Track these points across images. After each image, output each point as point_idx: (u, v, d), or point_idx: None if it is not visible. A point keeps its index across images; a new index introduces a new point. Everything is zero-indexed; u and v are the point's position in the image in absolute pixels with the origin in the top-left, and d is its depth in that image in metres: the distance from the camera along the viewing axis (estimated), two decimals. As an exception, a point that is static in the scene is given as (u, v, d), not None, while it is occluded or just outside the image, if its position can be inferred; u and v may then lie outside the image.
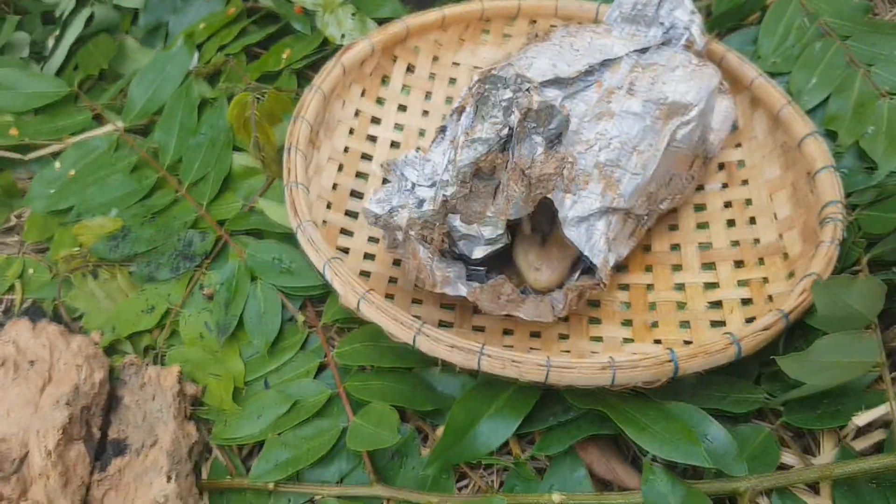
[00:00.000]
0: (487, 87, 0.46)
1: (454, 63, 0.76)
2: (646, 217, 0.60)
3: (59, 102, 0.77)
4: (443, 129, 0.55)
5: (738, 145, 0.69)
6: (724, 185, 0.68)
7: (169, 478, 0.50)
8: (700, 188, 0.68)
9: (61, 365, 0.58)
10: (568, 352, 0.56)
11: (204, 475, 0.55)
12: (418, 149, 0.52)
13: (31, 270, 0.67)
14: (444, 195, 0.48)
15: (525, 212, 0.50)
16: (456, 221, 0.51)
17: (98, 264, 0.64)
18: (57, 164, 0.72)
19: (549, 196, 0.50)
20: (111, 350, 0.61)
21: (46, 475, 0.51)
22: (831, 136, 0.69)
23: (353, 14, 0.72)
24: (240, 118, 0.63)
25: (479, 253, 0.52)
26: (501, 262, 0.57)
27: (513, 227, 0.57)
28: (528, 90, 0.46)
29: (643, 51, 0.63)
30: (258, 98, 0.62)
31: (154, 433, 0.54)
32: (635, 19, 0.66)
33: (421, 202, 0.50)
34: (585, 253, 0.52)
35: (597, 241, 0.52)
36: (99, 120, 0.76)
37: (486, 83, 0.46)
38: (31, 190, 0.71)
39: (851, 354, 0.43)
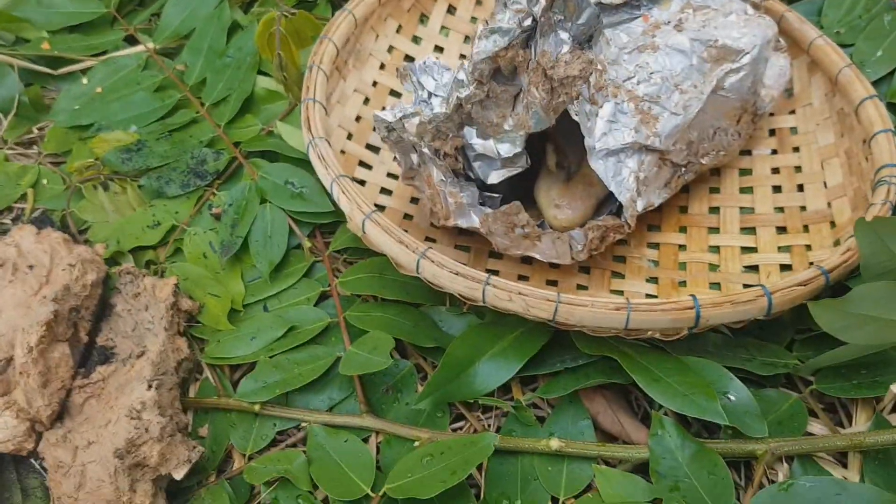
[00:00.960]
0: None
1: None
2: (684, 168, 0.55)
3: (95, 22, 0.75)
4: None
5: (793, 112, 0.65)
6: (774, 152, 0.63)
7: (150, 386, 0.47)
8: (747, 153, 0.63)
9: (59, 270, 0.56)
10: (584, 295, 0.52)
11: (192, 393, 0.52)
12: (437, 58, 0.49)
13: (45, 181, 0.65)
14: (458, 97, 0.45)
15: (546, 123, 0.46)
16: (472, 139, 0.47)
17: (110, 177, 0.62)
18: (84, 80, 0.71)
19: (575, 118, 0.46)
20: (112, 262, 0.59)
21: (27, 373, 0.48)
22: (893, 109, 0.64)
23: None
24: (265, 36, 0.60)
25: (494, 177, 0.48)
26: (521, 197, 0.54)
27: (536, 166, 0.54)
28: None
29: None
30: (286, 16, 0.59)
31: (143, 344, 0.52)
32: None
33: (437, 101, 0.47)
34: (612, 188, 0.48)
35: (625, 178, 0.49)
36: (131, 41, 0.74)
37: None
38: (56, 104, 0.70)
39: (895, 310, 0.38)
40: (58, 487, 0.46)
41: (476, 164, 0.49)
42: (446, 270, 0.45)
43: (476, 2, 0.72)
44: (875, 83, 0.66)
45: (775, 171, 0.62)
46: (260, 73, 0.66)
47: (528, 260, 0.56)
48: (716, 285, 0.54)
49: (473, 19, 0.72)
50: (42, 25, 0.75)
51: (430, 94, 0.47)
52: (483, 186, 0.50)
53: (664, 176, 0.54)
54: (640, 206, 0.50)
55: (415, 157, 0.51)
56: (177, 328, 0.53)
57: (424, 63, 0.47)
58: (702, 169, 0.58)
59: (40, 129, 0.70)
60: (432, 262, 0.46)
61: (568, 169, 0.53)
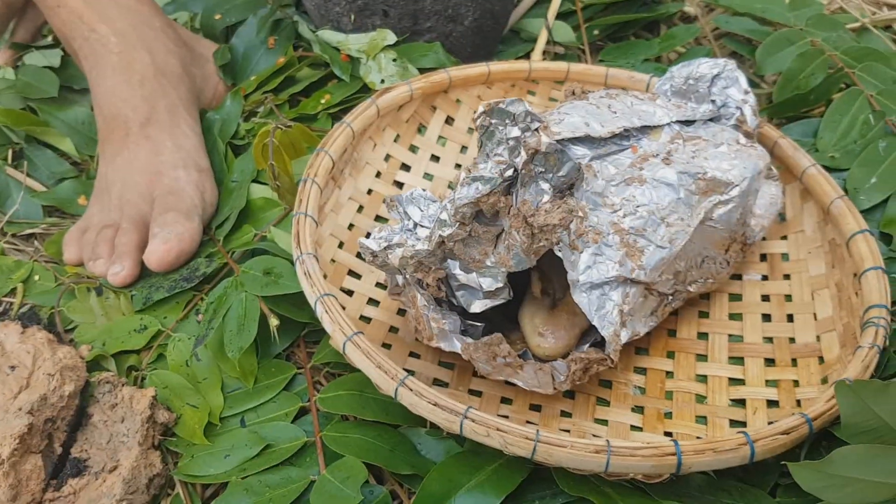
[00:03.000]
0: (493, 122, 0.43)
1: (496, 120, 0.74)
2: (671, 296, 0.55)
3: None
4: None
5: (784, 237, 0.65)
6: (765, 277, 0.63)
7: (118, 506, 0.46)
8: (738, 277, 0.63)
9: (40, 373, 0.55)
10: (567, 431, 0.52)
11: (162, 510, 0.51)
12: (424, 189, 0.49)
13: (37, 276, 0.65)
14: (440, 235, 0.45)
15: (527, 264, 0.46)
16: (455, 269, 0.47)
17: (104, 283, 0.62)
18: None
19: (558, 254, 0.46)
20: (95, 366, 0.58)
21: (-5, 484, 0.48)
22: (886, 239, 0.64)
23: (395, 59, 0.71)
24: (260, 147, 0.61)
25: (477, 307, 0.48)
26: (506, 322, 0.53)
27: (522, 288, 0.53)
28: (536, 129, 0.43)
29: (688, 122, 0.59)
30: (282, 128, 0.60)
31: (116, 457, 0.51)
32: (686, 94, 0.63)
33: (421, 236, 0.47)
34: (594, 322, 0.47)
35: (609, 312, 0.48)
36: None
37: (493, 116, 0.43)
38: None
39: (877, 472, 0.37)
40: None
41: (459, 294, 0.49)
42: (424, 400, 0.45)
43: (474, 111, 0.73)
44: (869, 210, 0.67)
45: (765, 298, 0.61)
46: (257, 181, 0.67)
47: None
48: (702, 419, 0.53)
49: (470, 130, 0.73)
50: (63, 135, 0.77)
51: (415, 224, 0.47)
52: (466, 314, 0.49)
53: (650, 305, 0.54)
54: (624, 337, 0.50)
55: (400, 278, 0.51)
56: (151, 441, 0.52)
57: (411, 194, 0.48)
58: (689, 296, 0.57)
59: (47, 227, 0.71)
60: (410, 390, 0.45)
61: (553, 296, 0.53)
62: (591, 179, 0.51)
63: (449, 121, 0.72)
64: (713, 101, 0.62)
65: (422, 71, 0.74)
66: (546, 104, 0.74)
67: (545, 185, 0.45)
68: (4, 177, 0.73)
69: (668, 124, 0.57)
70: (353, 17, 0.74)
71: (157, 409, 0.53)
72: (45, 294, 0.64)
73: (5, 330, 0.59)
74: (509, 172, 0.44)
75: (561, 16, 0.84)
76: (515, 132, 0.43)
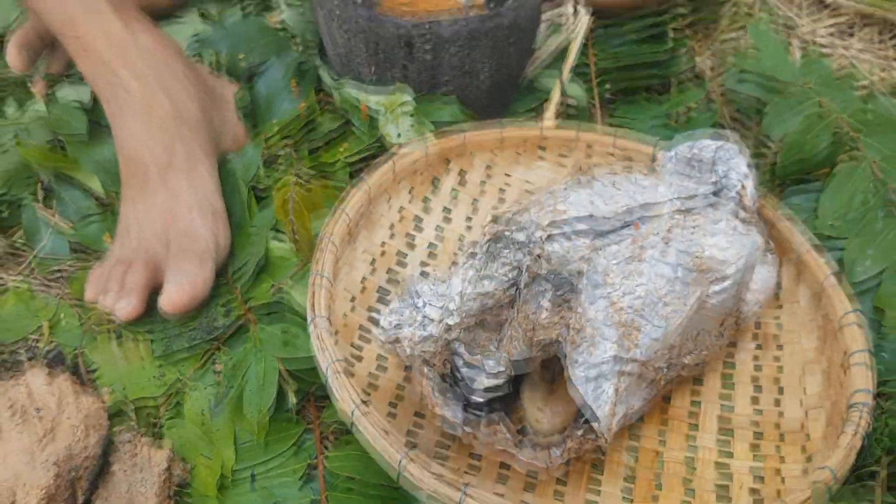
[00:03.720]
0: (498, 246, 0.46)
1: (507, 175, 0.76)
2: (665, 368, 0.58)
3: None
4: (472, 255, 0.55)
5: (780, 307, 0.67)
6: (759, 346, 0.65)
7: (134, 561, 0.50)
8: (733, 344, 0.65)
9: (64, 419, 0.59)
10: (562, 502, 0.54)
11: (175, 559, 0.54)
12: (429, 274, 0.52)
13: (62, 316, 0.68)
14: (447, 323, 0.48)
15: (526, 369, 0.50)
16: (461, 348, 0.50)
17: (123, 328, 0.66)
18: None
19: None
20: (116, 411, 0.61)
21: (22, 533, 0.51)
22: (879, 314, 0.66)
23: (412, 116, 0.74)
24: (280, 201, 0.64)
25: (479, 390, 0.51)
26: (508, 393, 0.56)
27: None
28: (538, 256, 0.46)
29: (689, 198, 0.61)
30: (302, 183, 0.63)
31: (134, 508, 0.54)
32: (690, 165, 0.65)
33: (428, 321, 0.49)
34: (591, 405, 0.50)
35: (605, 394, 0.51)
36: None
37: (498, 242, 0.46)
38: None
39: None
40: None
41: (463, 370, 0.51)
42: (423, 488, 0.47)
43: (486, 168, 0.75)
44: (864, 282, 0.69)
45: (758, 368, 0.64)
46: (276, 229, 0.70)
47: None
48: (691, 491, 0.56)
49: (482, 182, 0.75)
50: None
51: (424, 304, 0.50)
52: (468, 396, 0.52)
53: (645, 380, 0.56)
54: (618, 417, 0.53)
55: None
56: (167, 494, 0.55)
57: (420, 276, 0.51)
58: (684, 367, 0.60)
59: (72, 265, 0.74)
60: (411, 475, 0.48)
61: (553, 370, 0.55)
62: (594, 258, 0.53)
63: (462, 174, 0.75)
64: (716, 172, 0.65)
65: (437, 125, 0.76)
66: (556, 165, 0.76)
67: (545, 302, 0.48)
68: (34, 215, 0.76)
69: (670, 200, 0.60)
70: (373, 68, 0.76)
71: (174, 463, 0.56)
72: (70, 334, 0.67)
73: (33, 373, 0.62)
74: (512, 290, 0.47)
75: (575, 70, 0.86)
76: (519, 255, 0.46)
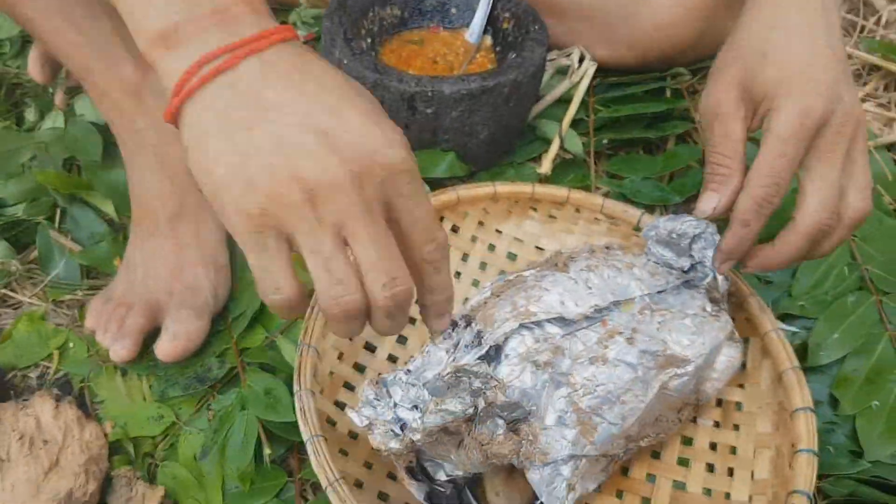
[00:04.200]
0: (459, 376, 0.50)
1: (497, 231, 0.79)
2: (622, 454, 0.62)
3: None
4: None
5: (741, 386, 0.71)
6: (717, 424, 0.70)
7: None
8: (693, 420, 0.70)
9: (68, 453, 0.64)
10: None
11: None
12: (408, 371, 0.56)
13: (72, 345, 0.74)
14: (411, 438, 0.52)
15: (481, 470, 0.54)
16: (424, 446, 0.55)
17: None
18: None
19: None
20: (116, 445, 0.67)
21: (25, 568, 0.57)
22: (835, 402, 0.70)
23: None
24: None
25: (441, 476, 0.56)
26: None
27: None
28: (495, 387, 0.50)
29: (659, 293, 0.65)
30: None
31: (127, 549, 0.60)
32: (668, 245, 0.69)
33: (398, 421, 0.54)
34: (543, 498, 0.55)
35: (558, 487, 0.56)
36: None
37: (459, 373, 0.50)
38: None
39: None
40: None
41: (426, 464, 0.56)
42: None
43: (478, 223, 0.79)
44: (826, 367, 0.73)
45: (713, 446, 0.68)
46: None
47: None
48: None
49: (473, 238, 0.79)
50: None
51: (395, 404, 0.54)
52: (432, 477, 0.57)
53: (601, 465, 0.61)
54: (570, 501, 0.57)
55: None
56: (159, 536, 0.61)
57: (394, 377, 0.55)
58: (640, 449, 0.64)
59: (86, 291, 0.79)
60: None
61: (513, 457, 0.60)
62: (558, 360, 0.58)
63: (454, 228, 0.78)
64: (691, 256, 0.68)
65: (435, 179, 0.80)
66: (545, 220, 0.80)
67: (500, 422, 0.52)
68: (48, 238, 0.80)
69: (641, 296, 0.64)
70: (377, 123, 0.79)
71: (166, 505, 0.62)
72: (78, 364, 0.72)
73: (41, 403, 0.68)
74: (471, 410, 0.51)
75: (574, 122, 0.89)
76: (477, 384, 0.50)
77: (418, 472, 0.57)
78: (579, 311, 0.60)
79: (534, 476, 0.55)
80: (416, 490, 0.56)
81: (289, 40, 0.44)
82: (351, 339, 0.57)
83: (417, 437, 0.52)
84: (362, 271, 0.44)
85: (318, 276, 0.44)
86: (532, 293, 0.60)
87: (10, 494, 0.63)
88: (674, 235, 0.68)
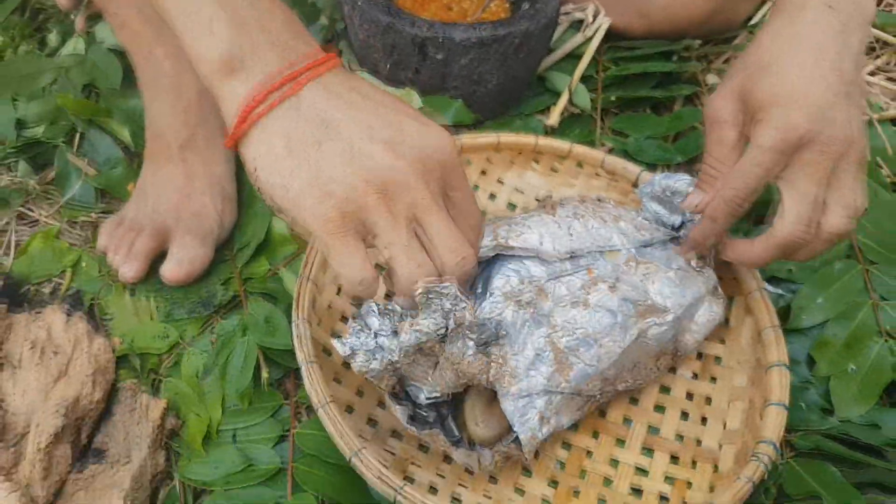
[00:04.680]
0: (430, 297, 0.53)
1: (499, 181, 0.81)
2: (598, 395, 0.65)
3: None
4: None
5: (723, 342, 0.74)
6: (695, 376, 0.72)
7: (125, 501, 0.60)
8: (672, 370, 0.73)
9: (77, 364, 0.68)
10: (489, 497, 0.63)
11: (161, 499, 0.64)
12: (386, 296, 0.59)
13: (84, 264, 0.77)
14: (389, 359, 0.56)
15: (456, 390, 0.58)
16: (404, 370, 0.58)
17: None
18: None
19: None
20: (123, 359, 0.70)
21: (33, 464, 0.61)
22: (811, 361, 0.73)
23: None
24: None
25: (423, 400, 0.59)
26: (456, 401, 0.64)
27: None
28: (463, 308, 0.53)
29: (644, 246, 0.67)
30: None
31: (129, 454, 0.64)
32: (662, 202, 0.71)
33: (378, 349, 0.57)
34: (515, 428, 0.58)
35: (530, 418, 0.59)
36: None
37: (430, 294, 0.53)
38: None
39: None
40: (40, 568, 0.59)
41: (409, 388, 0.60)
42: (369, 474, 0.56)
43: (481, 172, 0.81)
44: (806, 330, 0.75)
45: (689, 396, 0.71)
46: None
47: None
48: (602, 502, 0.64)
49: (476, 187, 0.81)
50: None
51: (375, 333, 0.57)
52: (414, 399, 0.60)
53: (577, 404, 0.64)
54: (543, 437, 0.60)
55: None
56: (159, 443, 0.65)
57: (370, 308, 0.58)
58: (617, 393, 0.67)
59: (99, 214, 0.82)
60: (361, 461, 0.57)
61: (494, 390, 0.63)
62: (541, 301, 0.61)
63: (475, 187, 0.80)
64: (683, 213, 0.70)
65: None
66: (547, 173, 0.82)
67: (470, 343, 0.55)
68: (66, 160, 0.83)
69: (625, 249, 0.66)
70: (388, 66, 0.81)
71: (168, 417, 0.66)
72: (89, 281, 0.76)
73: (53, 316, 0.71)
74: (442, 330, 0.54)
75: (583, 77, 0.91)
76: (448, 305, 0.53)
77: (403, 397, 0.60)
78: (554, 253, 0.62)
79: (507, 406, 0.58)
80: (399, 413, 0.60)
81: (339, 65, 0.50)
82: None
83: (395, 357, 0.55)
84: (436, 254, 0.51)
85: (400, 263, 0.50)
86: (514, 228, 0.63)
87: (20, 399, 0.67)
88: (668, 193, 0.71)
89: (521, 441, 0.59)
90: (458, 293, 0.53)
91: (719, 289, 0.71)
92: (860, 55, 0.60)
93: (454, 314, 0.54)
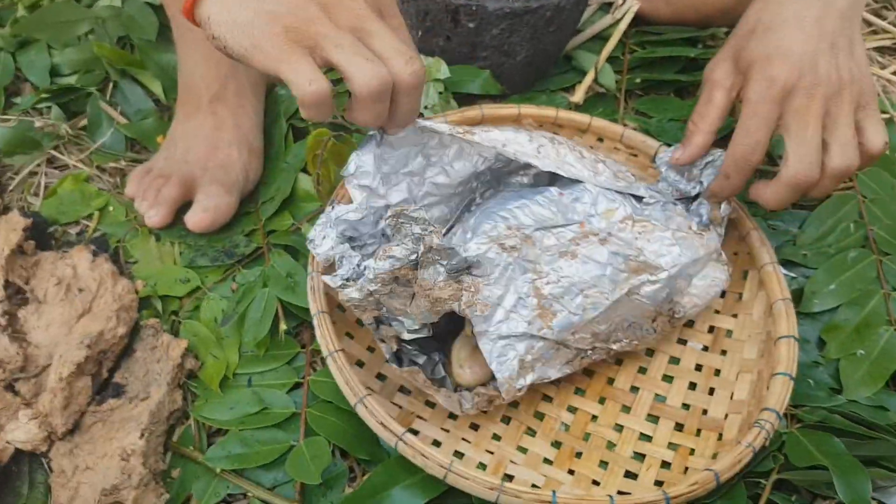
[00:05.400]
0: (401, 222, 0.55)
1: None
2: (590, 351, 0.65)
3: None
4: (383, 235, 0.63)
5: (735, 315, 0.74)
6: (705, 348, 0.73)
7: (142, 435, 0.61)
8: (683, 342, 0.74)
9: (101, 302, 0.70)
10: (492, 453, 0.64)
11: (176, 436, 0.66)
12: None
13: (111, 208, 0.79)
14: (368, 289, 0.58)
15: (433, 319, 0.60)
16: (384, 300, 0.60)
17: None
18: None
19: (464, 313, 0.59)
20: (145, 301, 0.72)
21: (54, 393, 0.63)
22: (822, 343, 0.74)
23: (441, 93, 0.80)
24: (313, 150, 0.72)
25: (406, 336, 0.61)
26: (445, 338, 0.65)
27: (457, 322, 0.64)
28: (431, 232, 0.55)
29: (639, 199, 0.68)
30: (334, 137, 0.71)
31: (148, 390, 0.65)
32: (679, 170, 0.72)
33: (353, 282, 0.59)
34: (492, 367, 0.59)
35: (509, 360, 0.60)
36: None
37: (400, 218, 0.55)
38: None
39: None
40: (56, 493, 0.60)
41: (394, 323, 0.61)
42: (373, 420, 0.58)
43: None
44: (817, 314, 0.76)
45: (699, 367, 0.72)
46: (305, 171, 0.78)
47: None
48: (604, 464, 0.65)
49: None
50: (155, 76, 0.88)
51: (358, 264, 0.60)
52: (397, 334, 0.62)
53: (565, 356, 0.64)
54: (524, 382, 0.61)
55: None
56: (177, 382, 0.67)
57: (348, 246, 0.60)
58: (612, 353, 0.67)
59: (128, 161, 0.84)
60: (365, 407, 0.58)
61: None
62: (527, 248, 0.62)
63: (477, 146, 0.81)
64: (700, 183, 0.71)
65: (466, 96, 0.83)
66: (566, 145, 0.83)
67: (441, 269, 0.57)
68: (98, 108, 0.85)
69: (621, 203, 0.67)
70: (419, 33, 0.82)
71: (187, 357, 0.67)
72: (116, 226, 0.77)
73: (79, 254, 0.73)
74: (414, 256, 0.56)
75: (610, 58, 0.92)
76: (417, 230, 0.55)
77: (387, 336, 0.62)
78: (510, 153, 0.65)
79: (485, 345, 0.60)
80: (385, 350, 0.62)
81: None
82: (378, 130, 0.62)
83: (374, 286, 0.57)
84: (384, 57, 0.53)
85: (349, 63, 0.52)
86: (485, 129, 0.66)
87: (44, 332, 0.69)
88: None
89: (497, 380, 0.60)
90: (427, 217, 0.55)
91: (723, 255, 0.71)
92: (849, 12, 0.64)
93: (424, 239, 0.55)
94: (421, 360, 0.65)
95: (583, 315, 0.62)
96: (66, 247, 0.76)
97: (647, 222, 0.67)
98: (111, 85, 0.88)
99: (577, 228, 0.64)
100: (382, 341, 0.61)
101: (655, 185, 0.72)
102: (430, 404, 0.67)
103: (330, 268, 0.62)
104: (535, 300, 0.61)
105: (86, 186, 0.80)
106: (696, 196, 0.70)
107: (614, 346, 0.67)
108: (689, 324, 0.74)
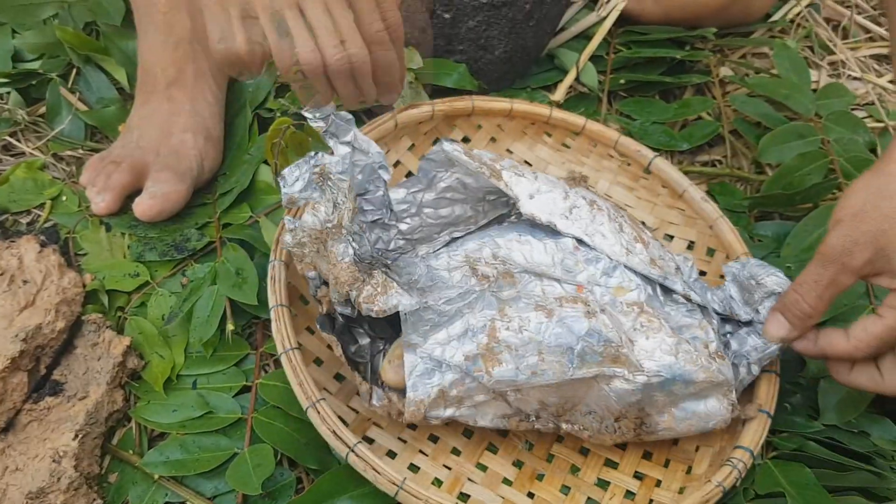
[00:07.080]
0: (328, 183, 0.57)
1: (508, 150, 0.78)
2: (534, 417, 0.60)
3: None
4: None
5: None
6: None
7: (76, 436, 0.58)
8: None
9: (44, 295, 0.66)
10: (449, 469, 0.61)
11: (116, 439, 0.62)
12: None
13: (64, 197, 0.75)
14: (299, 238, 0.57)
15: (341, 298, 0.57)
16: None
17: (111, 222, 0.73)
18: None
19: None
20: (93, 295, 0.68)
21: (-14, 390, 0.59)
22: (802, 363, 0.70)
23: (411, 82, 0.77)
24: (272, 138, 0.68)
25: (337, 308, 0.58)
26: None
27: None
28: (348, 209, 0.56)
29: (668, 294, 0.63)
30: (294, 126, 0.67)
31: (87, 389, 0.62)
32: (742, 288, 0.66)
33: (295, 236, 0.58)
34: (407, 382, 0.56)
35: (429, 385, 0.56)
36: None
37: (328, 180, 0.57)
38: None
39: None
40: (-18, 494, 0.57)
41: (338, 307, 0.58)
42: (324, 427, 0.54)
43: (490, 139, 0.77)
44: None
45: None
46: (266, 163, 0.75)
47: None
48: (566, 489, 0.61)
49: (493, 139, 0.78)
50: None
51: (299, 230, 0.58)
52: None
53: (501, 409, 0.59)
54: (445, 414, 0.57)
55: None
56: (119, 382, 0.63)
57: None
58: (560, 431, 0.61)
59: (86, 150, 0.80)
60: (317, 412, 0.55)
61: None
62: (503, 284, 0.58)
63: (466, 139, 0.77)
64: (757, 312, 0.65)
65: (441, 90, 0.79)
66: (559, 148, 0.79)
67: (350, 251, 0.55)
68: (58, 94, 0.81)
69: (640, 287, 0.61)
70: (393, 23, 0.79)
71: (130, 355, 0.64)
72: (68, 216, 0.74)
73: (27, 246, 0.69)
74: (330, 224, 0.56)
75: (594, 58, 0.88)
76: (340, 199, 0.57)
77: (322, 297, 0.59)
78: (534, 206, 0.61)
79: (409, 358, 0.56)
80: (319, 320, 0.59)
81: None
82: (315, 107, 0.61)
83: (303, 237, 0.56)
84: (316, 35, 0.51)
85: (273, 38, 0.51)
86: (519, 171, 0.62)
87: (-17, 326, 0.65)
88: (752, 281, 0.65)
89: (406, 396, 0.56)
90: (347, 191, 0.54)
91: (733, 393, 0.61)
92: None
93: (338, 211, 0.53)
94: (364, 340, 0.62)
95: (530, 377, 0.56)
96: (15, 236, 0.73)
97: (657, 319, 0.60)
98: (74, 71, 0.84)
99: (573, 290, 0.59)
100: (319, 302, 0.59)
101: (700, 283, 0.67)
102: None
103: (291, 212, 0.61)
104: (486, 339, 0.56)
105: (39, 175, 0.77)
106: (749, 322, 0.64)
107: (564, 426, 0.60)
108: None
